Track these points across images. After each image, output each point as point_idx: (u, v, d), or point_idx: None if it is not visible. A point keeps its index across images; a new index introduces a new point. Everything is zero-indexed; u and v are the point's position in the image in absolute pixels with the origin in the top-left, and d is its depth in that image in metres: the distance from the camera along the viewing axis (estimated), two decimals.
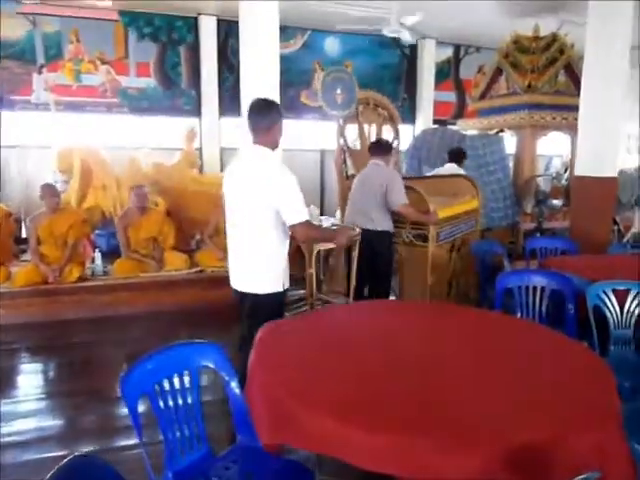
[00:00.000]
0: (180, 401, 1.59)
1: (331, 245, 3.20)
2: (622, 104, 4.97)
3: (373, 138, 4.88)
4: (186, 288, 4.79)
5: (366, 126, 4.99)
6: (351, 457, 1.24)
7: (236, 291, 2.56)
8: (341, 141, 4.76)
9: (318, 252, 3.49)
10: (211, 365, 1.64)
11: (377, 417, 1.30)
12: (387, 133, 5.10)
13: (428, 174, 5.60)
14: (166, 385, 1.56)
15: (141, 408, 1.52)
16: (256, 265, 2.43)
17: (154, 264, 4.93)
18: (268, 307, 2.42)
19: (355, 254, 3.62)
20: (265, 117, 2.36)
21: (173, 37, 7.64)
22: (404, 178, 4.02)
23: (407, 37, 6.14)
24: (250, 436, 1.57)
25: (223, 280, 4.87)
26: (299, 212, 2.29)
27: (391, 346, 1.83)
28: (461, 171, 5.11)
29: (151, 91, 7.61)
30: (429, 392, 1.46)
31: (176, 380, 1.59)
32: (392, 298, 4.15)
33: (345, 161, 4.84)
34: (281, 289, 2.47)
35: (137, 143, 7.52)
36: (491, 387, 1.50)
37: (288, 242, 2.50)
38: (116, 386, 1.44)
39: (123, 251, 4.97)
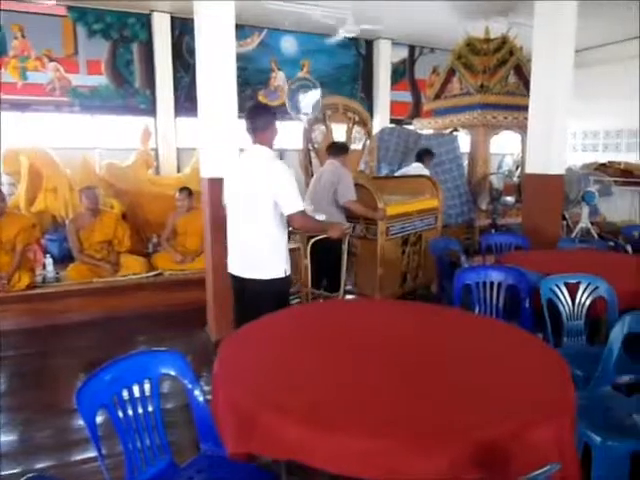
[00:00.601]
0: (140, 410, 1.53)
1: (323, 235, 3.26)
2: (568, 104, 5.18)
3: (343, 139, 5.08)
4: (144, 292, 4.67)
5: (336, 128, 5.11)
6: (319, 462, 1.23)
7: (236, 278, 2.75)
8: (307, 143, 4.87)
9: (314, 244, 3.53)
10: (172, 373, 1.59)
11: (343, 421, 1.29)
12: (358, 134, 5.27)
13: (397, 174, 5.72)
14: (125, 395, 1.50)
15: (99, 419, 1.46)
16: (259, 252, 2.64)
17: (109, 268, 4.78)
18: (272, 292, 2.64)
19: (345, 247, 3.66)
20: (261, 119, 2.66)
21: (125, 34, 7.40)
22: (376, 178, 4.29)
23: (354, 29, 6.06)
24: (215, 445, 1.54)
25: (182, 283, 4.86)
26: (295, 203, 2.56)
27: (352, 346, 1.83)
28: (426, 171, 5.35)
29: (103, 89, 7.35)
30: (391, 393, 1.46)
31: (136, 389, 1.53)
32: (349, 288, 4.37)
33: (310, 161, 5.01)
34: (283, 274, 2.67)
35: (90, 143, 7.28)
36: (451, 385, 1.53)
37: (287, 232, 2.75)
38: (71, 397, 1.37)
39: (76, 256, 4.79)
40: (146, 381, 1.54)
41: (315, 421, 1.28)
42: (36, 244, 4.93)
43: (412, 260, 4.54)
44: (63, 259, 5.08)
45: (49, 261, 4.74)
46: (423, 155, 5.52)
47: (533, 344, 1.89)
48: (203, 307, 4.20)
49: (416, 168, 5.42)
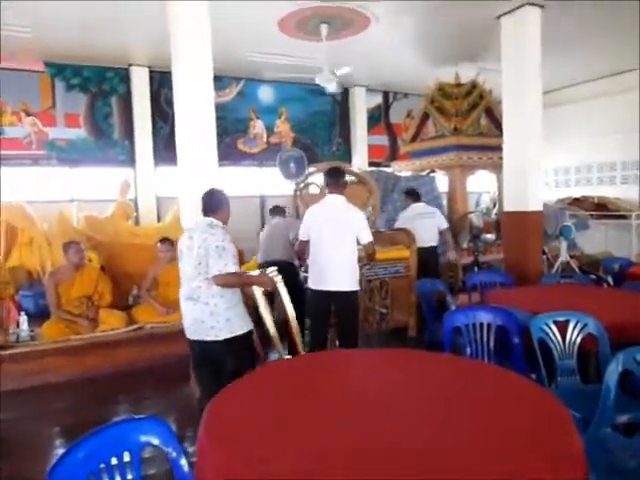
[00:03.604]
0: None
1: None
2: (540, 142, 5.35)
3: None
4: (124, 348, 4.48)
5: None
6: None
7: (325, 292, 3.45)
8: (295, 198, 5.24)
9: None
10: (155, 442, 1.48)
11: None
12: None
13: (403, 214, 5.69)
14: (102, 469, 1.38)
15: None
16: (345, 268, 3.44)
17: (87, 324, 4.60)
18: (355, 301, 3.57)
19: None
20: (339, 178, 3.57)
21: (104, 88, 7.48)
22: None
23: (333, 88, 6.41)
24: None
25: (163, 336, 4.69)
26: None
27: (346, 400, 1.75)
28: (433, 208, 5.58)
29: (81, 142, 7.34)
30: (386, 448, 1.39)
31: (114, 460, 1.41)
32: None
33: (297, 209, 5.55)
34: (358, 287, 3.55)
35: (68, 196, 7.20)
36: (452, 437, 1.46)
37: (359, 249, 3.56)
38: (45, 470, 1.26)
39: (53, 311, 4.61)
40: (125, 453, 1.43)
41: None
42: (10, 301, 4.76)
43: (376, 303, 4.78)
44: (38, 316, 4.89)
45: (23, 318, 4.55)
46: (412, 195, 5.58)
47: (533, 393, 1.82)
48: (187, 360, 4.04)
49: (425, 207, 5.52)
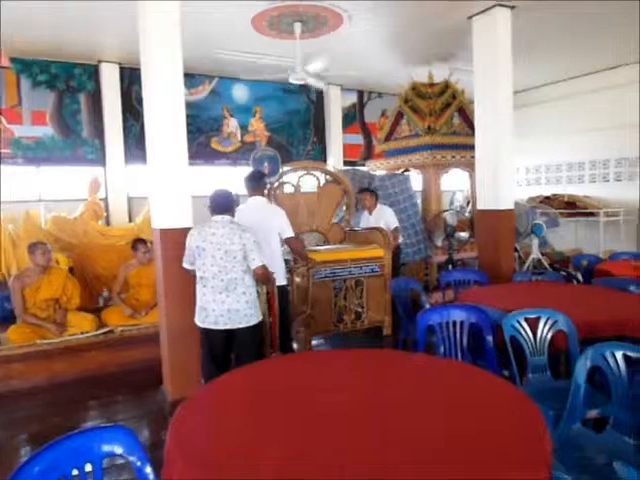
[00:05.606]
0: None
1: None
2: (511, 142, 5.42)
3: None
4: (93, 352, 4.37)
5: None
6: None
7: None
8: (273, 202, 5.05)
9: None
10: (119, 451, 1.42)
11: None
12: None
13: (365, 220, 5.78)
14: None
15: None
16: (272, 263, 3.49)
17: (54, 328, 4.46)
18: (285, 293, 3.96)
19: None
20: (259, 181, 3.91)
21: (72, 85, 7.26)
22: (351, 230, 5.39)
23: (317, 83, 6.41)
24: None
25: (135, 340, 4.59)
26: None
27: (314, 404, 1.72)
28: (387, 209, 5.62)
29: (49, 140, 7.12)
30: (358, 452, 1.37)
31: (75, 472, 1.35)
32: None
33: None
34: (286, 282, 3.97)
35: (35, 196, 6.98)
36: (421, 439, 1.45)
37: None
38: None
39: (18, 315, 4.47)
40: (87, 465, 1.37)
41: None
42: None
43: (350, 302, 4.79)
44: (3, 320, 4.73)
45: None
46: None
47: (504, 391, 1.82)
48: (158, 364, 3.96)
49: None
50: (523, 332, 2.62)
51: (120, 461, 2.53)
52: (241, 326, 3.07)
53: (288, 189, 5.18)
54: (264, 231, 3.58)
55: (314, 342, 4.79)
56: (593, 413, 2.24)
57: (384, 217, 5.47)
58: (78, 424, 3.38)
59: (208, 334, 3.17)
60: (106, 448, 1.41)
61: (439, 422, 1.58)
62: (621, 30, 6.26)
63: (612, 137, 8.34)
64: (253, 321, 3.11)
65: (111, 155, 7.42)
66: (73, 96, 7.29)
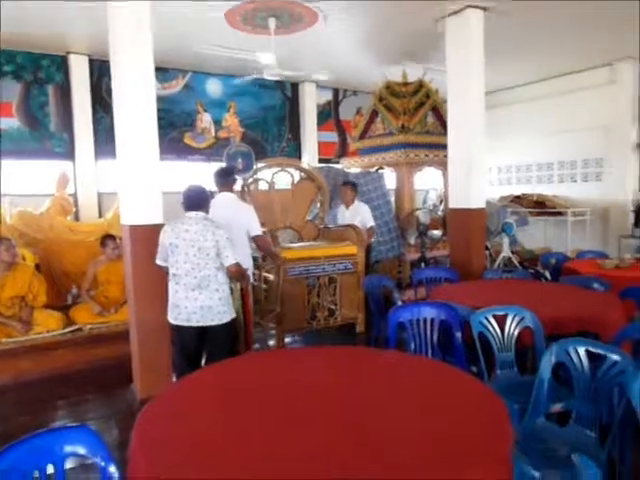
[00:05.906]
0: None
1: None
2: (483, 141, 5.51)
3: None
4: (61, 351, 4.27)
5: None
6: None
7: None
8: (247, 199, 4.99)
9: None
10: (81, 451, 1.39)
11: None
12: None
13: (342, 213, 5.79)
14: None
15: None
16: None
17: (20, 327, 4.33)
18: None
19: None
20: (228, 177, 3.92)
21: (39, 76, 7.05)
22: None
23: (274, 73, 6.30)
24: None
25: (104, 337, 4.50)
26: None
27: (285, 403, 1.72)
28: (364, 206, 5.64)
29: (14, 133, 6.90)
30: (329, 450, 1.37)
31: (36, 474, 1.31)
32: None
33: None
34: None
35: None
36: (390, 436, 1.47)
37: None
38: None
39: None
40: (49, 466, 1.33)
41: None
42: None
43: (323, 299, 4.82)
44: None
45: None
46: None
47: (472, 387, 1.86)
48: (128, 362, 3.89)
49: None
50: (491, 329, 2.67)
51: (89, 461, 2.48)
52: (214, 323, 3.05)
53: (262, 186, 5.16)
54: (234, 227, 3.53)
55: (287, 339, 4.79)
56: (557, 407, 2.30)
57: (360, 214, 5.50)
58: (45, 424, 3.29)
59: (180, 331, 3.14)
60: (68, 449, 1.38)
61: (408, 420, 1.60)
62: (592, 33, 6.43)
63: (580, 138, 8.58)
64: (226, 318, 3.10)
65: (80, 149, 7.24)
66: (41, 88, 7.08)
